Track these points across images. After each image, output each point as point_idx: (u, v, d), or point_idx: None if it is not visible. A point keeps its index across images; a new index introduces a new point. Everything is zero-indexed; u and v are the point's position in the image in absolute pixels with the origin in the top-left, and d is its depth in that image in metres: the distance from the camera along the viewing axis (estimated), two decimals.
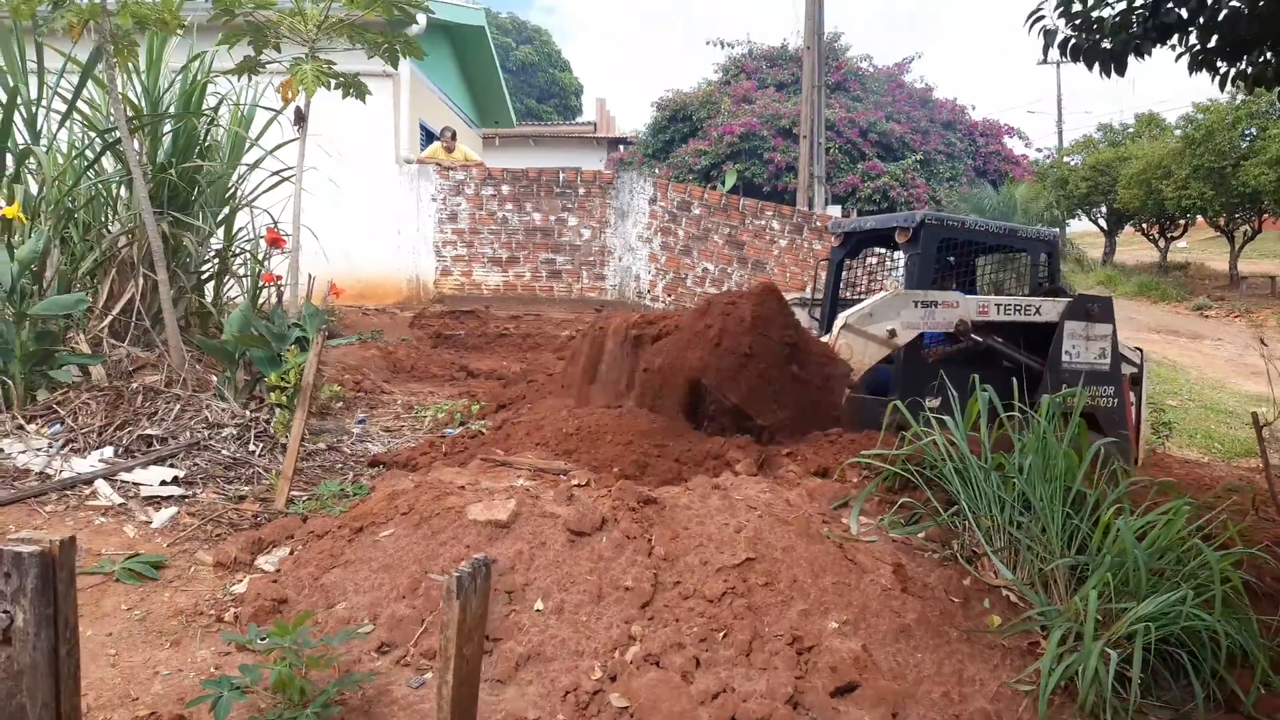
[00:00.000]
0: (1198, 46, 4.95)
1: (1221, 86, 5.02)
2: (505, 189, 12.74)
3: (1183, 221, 31.63)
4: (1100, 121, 50.30)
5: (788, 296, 6.84)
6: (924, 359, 6.32)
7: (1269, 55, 4.80)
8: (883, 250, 8.16)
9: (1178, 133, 28.15)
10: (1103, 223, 36.37)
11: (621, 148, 26.94)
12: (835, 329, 5.92)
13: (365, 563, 3.91)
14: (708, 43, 27.43)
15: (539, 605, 3.58)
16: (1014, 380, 5.17)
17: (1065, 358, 6.52)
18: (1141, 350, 7.77)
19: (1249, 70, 4.92)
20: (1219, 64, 4.94)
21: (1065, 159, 35.46)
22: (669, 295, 12.71)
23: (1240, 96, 23.14)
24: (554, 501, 4.15)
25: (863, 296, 7.24)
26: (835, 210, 16.78)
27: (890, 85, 23.85)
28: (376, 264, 12.61)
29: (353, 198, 12.28)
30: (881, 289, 7.47)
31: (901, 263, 6.81)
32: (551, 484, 4.49)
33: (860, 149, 22.15)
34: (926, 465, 4.41)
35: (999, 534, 3.92)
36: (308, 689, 2.96)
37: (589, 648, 3.41)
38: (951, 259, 6.95)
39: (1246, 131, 24.37)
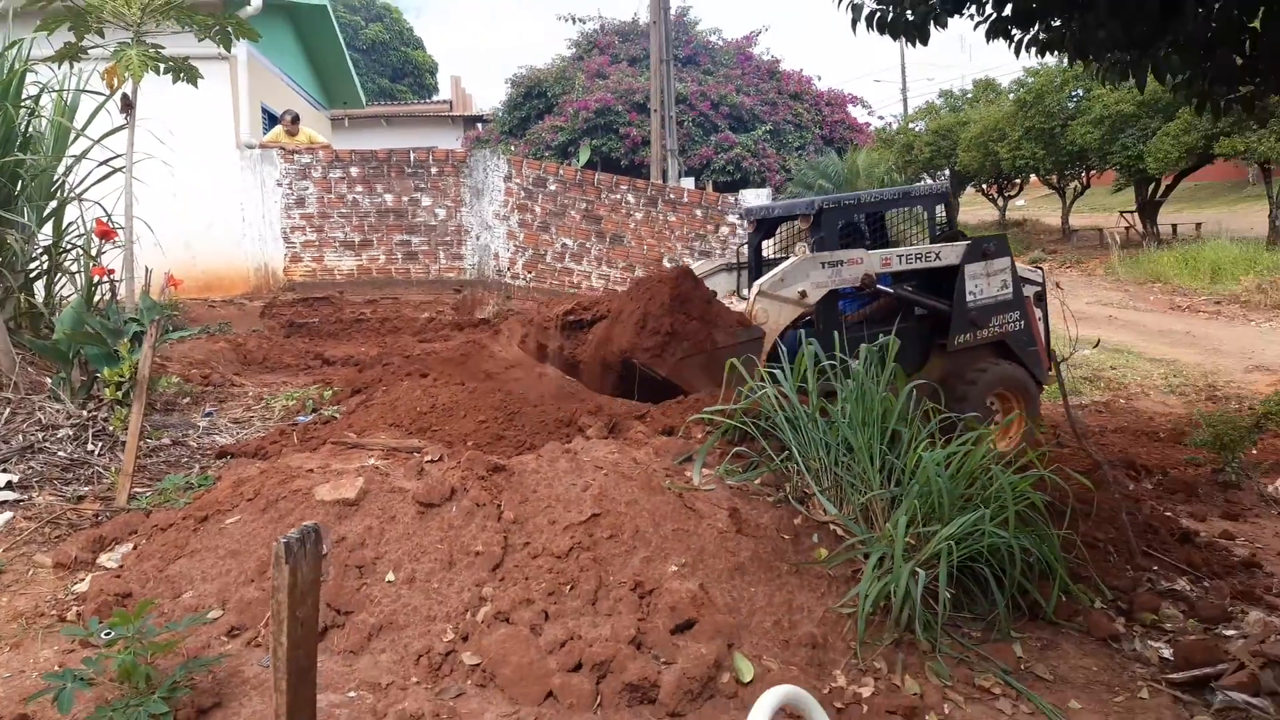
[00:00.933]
0: (994, 15, 5.25)
1: (1016, 53, 5.36)
2: (355, 171, 12.49)
3: (1018, 181, 33.59)
4: (941, 88, 52.59)
5: (714, 262, 7.61)
6: (840, 319, 6.69)
7: (1057, 21, 5.15)
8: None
9: (1011, 97, 29.78)
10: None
11: (479, 126, 26.65)
12: (751, 296, 6.31)
13: (212, 550, 3.90)
14: (560, 18, 27.26)
15: (390, 577, 3.66)
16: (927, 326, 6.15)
17: (970, 297, 7.04)
18: (1042, 269, 8.41)
19: (1041, 36, 5.26)
20: (1013, 31, 5.24)
21: (910, 125, 37.05)
22: (529, 272, 12.77)
23: (1065, 60, 24.66)
24: (404, 477, 4.22)
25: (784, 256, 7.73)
26: (689, 182, 17.13)
27: (739, 58, 24.39)
28: (221, 254, 12.19)
29: (192, 186, 11.82)
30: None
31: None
32: (403, 462, 4.55)
33: (713, 121, 22.60)
34: (763, 417, 4.67)
35: (826, 475, 4.22)
36: (154, 676, 2.97)
37: (441, 612, 3.52)
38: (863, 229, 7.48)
39: (1073, 94, 25.96)
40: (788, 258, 7.03)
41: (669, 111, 15.67)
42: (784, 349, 5.52)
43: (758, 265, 7.84)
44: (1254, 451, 7.53)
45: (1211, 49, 4.03)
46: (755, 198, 13.14)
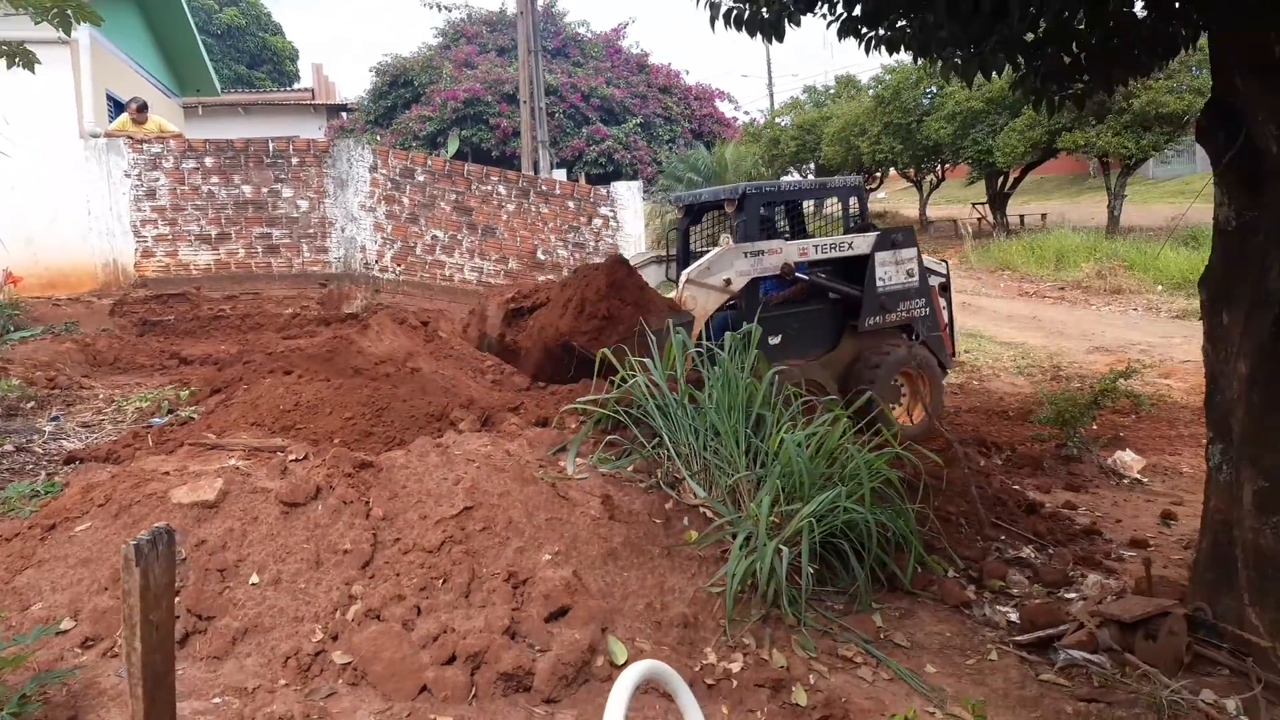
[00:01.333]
0: (844, 15, 5.43)
1: (866, 51, 5.56)
2: (210, 161, 11.94)
3: (878, 174, 34.86)
4: (805, 84, 53.98)
5: (646, 255, 8.24)
6: (764, 302, 7.07)
7: (902, 21, 5.36)
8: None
9: (870, 93, 30.86)
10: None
11: (343, 115, 25.87)
12: (680, 284, 6.74)
13: (61, 560, 3.70)
14: (425, 5, 26.67)
15: (255, 579, 3.56)
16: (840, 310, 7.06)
17: (879, 283, 7.58)
18: (947, 262, 9.11)
19: (887, 35, 5.48)
20: (862, 29, 5.43)
21: (776, 120, 37.95)
22: (398, 265, 12.51)
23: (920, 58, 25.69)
24: (267, 477, 4.10)
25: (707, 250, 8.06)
26: (561, 174, 17.10)
27: (608, 51, 24.46)
28: (65, 250, 11.46)
29: (33, 178, 11.08)
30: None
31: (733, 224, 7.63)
32: (266, 462, 4.42)
33: (584, 113, 22.61)
34: (634, 406, 4.75)
35: (695, 459, 4.32)
36: (1, 691, 2.81)
37: (309, 613, 3.45)
38: (778, 218, 8.02)
39: (928, 90, 27.07)
40: (712, 248, 7.41)
41: (539, 103, 15.60)
42: (712, 332, 5.82)
43: (685, 250, 8.21)
44: (1094, 427, 8.07)
45: (1041, 48, 4.30)
46: (627, 190, 13.24)
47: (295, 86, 33.46)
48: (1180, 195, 27.75)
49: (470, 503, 3.88)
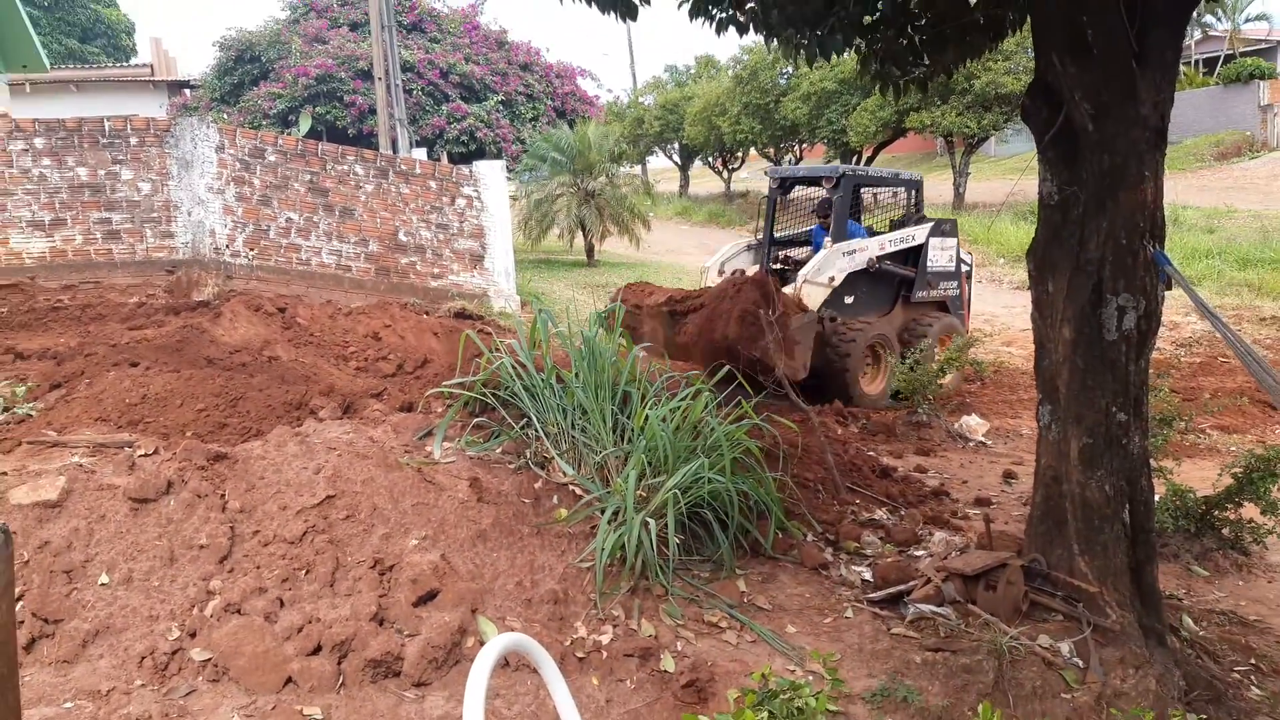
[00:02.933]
0: None
1: (718, 32, 5.63)
2: (40, 142, 11.14)
3: (740, 154, 35.56)
4: (667, 63, 54.44)
5: (738, 245, 10.03)
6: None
7: (751, 3, 5.45)
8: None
9: (730, 73, 31.40)
10: (676, 158, 39.75)
11: (185, 92, 24.50)
12: (799, 286, 8.41)
13: None
14: None
15: (104, 579, 3.42)
16: (899, 284, 9.18)
17: (930, 265, 9.41)
18: (971, 254, 10.92)
19: (739, 17, 5.57)
20: (712, 10, 5.50)
21: (640, 99, 38.14)
22: (251, 249, 12.01)
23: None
24: (114, 473, 3.92)
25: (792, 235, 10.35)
26: (421, 153, 16.69)
27: (466, 27, 23.95)
28: None
29: None
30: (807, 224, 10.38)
31: (817, 201, 9.64)
32: (112, 458, 4.21)
33: (443, 91, 22.11)
34: (502, 388, 4.74)
35: (564, 438, 4.36)
36: None
37: (164, 610, 3.33)
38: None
39: (784, 71, 27.72)
40: (803, 230, 9.98)
41: (396, 80, 15.20)
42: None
43: (773, 219, 9.95)
44: (942, 393, 8.53)
45: (878, 31, 4.50)
46: (491, 169, 13.05)
47: (132, 62, 31.45)
48: (1019, 172, 29.38)
49: (333, 491, 3.81)
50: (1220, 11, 34.57)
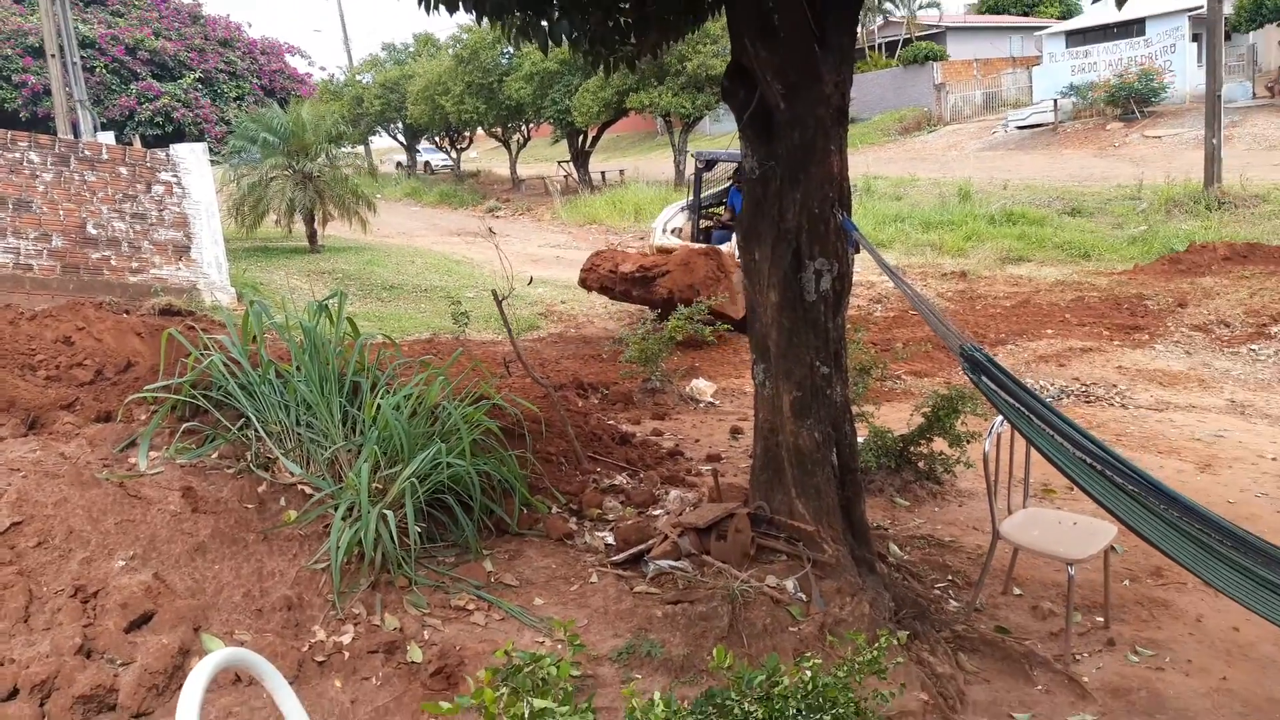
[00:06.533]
0: None
1: (427, 11, 5.48)
2: None
3: (467, 134, 35.08)
4: (384, 41, 52.55)
5: (676, 207, 13.15)
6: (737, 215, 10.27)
7: None
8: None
9: (450, 52, 30.79)
10: (401, 138, 38.59)
11: None
12: (733, 247, 9.21)
13: None
14: None
15: None
16: None
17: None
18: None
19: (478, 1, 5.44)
20: None
21: (358, 77, 36.57)
22: None
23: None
24: None
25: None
26: (108, 137, 15.09)
27: (154, 0, 21.90)
28: None
29: None
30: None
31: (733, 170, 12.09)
32: None
33: (131, 69, 20.11)
34: (214, 387, 4.41)
35: (288, 436, 4.13)
36: None
37: None
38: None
39: (505, 51, 27.55)
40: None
41: (73, 57, 13.62)
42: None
43: (699, 189, 12.52)
44: (673, 360, 8.90)
45: (586, 11, 4.58)
46: (191, 153, 12.01)
47: None
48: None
49: (19, 517, 3.40)
50: None
